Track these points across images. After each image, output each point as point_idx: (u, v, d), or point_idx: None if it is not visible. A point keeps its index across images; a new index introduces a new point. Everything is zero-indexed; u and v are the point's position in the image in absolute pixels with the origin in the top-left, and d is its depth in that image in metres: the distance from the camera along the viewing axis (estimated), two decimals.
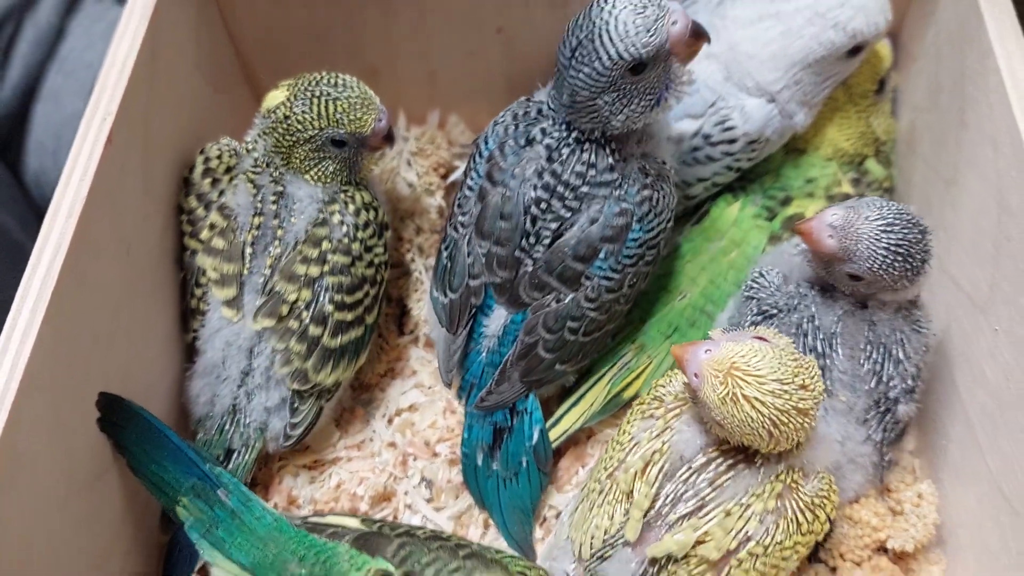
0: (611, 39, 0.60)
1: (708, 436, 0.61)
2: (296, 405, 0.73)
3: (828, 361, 0.65)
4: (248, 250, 0.72)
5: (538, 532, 0.74)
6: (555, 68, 0.65)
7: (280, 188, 0.73)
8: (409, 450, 0.78)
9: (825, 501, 0.59)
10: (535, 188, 0.67)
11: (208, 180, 0.74)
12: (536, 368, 0.72)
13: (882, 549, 0.68)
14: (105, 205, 0.63)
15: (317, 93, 0.70)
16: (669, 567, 0.60)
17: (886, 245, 0.61)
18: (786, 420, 0.54)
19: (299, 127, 0.71)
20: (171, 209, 0.74)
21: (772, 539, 0.58)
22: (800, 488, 0.58)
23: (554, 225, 0.68)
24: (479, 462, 0.75)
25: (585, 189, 0.66)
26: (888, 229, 0.61)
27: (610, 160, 0.66)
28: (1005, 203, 0.61)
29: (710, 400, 0.55)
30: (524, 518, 0.73)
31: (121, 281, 0.66)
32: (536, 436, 0.74)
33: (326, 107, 0.70)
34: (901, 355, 0.65)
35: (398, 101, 0.91)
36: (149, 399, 0.68)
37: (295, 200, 0.73)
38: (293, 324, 0.71)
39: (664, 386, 0.65)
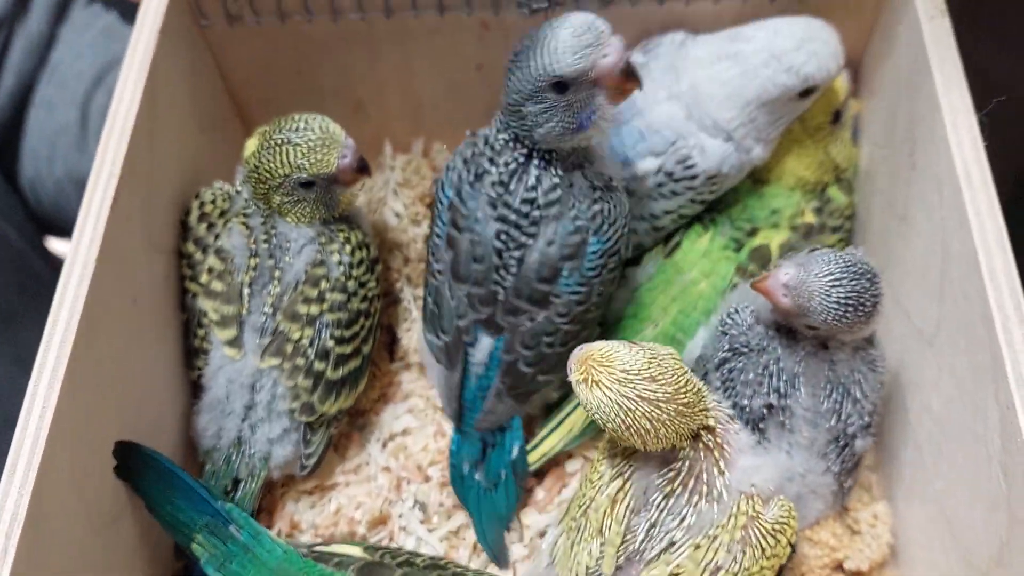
0: (543, 52, 0.65)
1: (658, 469, 0.66)
2: (308, 437, 0.79)
3: (791, 400, 0.70)
4: (246, 291, 0.77)
5: (521, 550, 0.80)
6: None
7: (272, 228, 0.77)
8: (403, 474, 0.83)
9: (785, 527, 0.64)
10: (493, 222, 0.72)
11: (204, 225, 0.78)
12: (521, 381, 0.77)
13: (840, 568, 0.74)
14: (113, 263, 0.67)
15: (279, 140, 0.74)
16: None
17: (836, 299, 0.65)
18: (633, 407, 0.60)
19: (268, 176, 0.75)
20: (172, 254, 0.78)
21: (740, 566, 0.64)
22: (761, 516, 0.64)
23: (517, 253, 0.72)
24: (464, 471, 0.81)
25: (537, 213, 0.71)
26: (837, 283, 0.65)
27: (553, 180, 0.70)
28: (947, 247, 0.66)
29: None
30: (499, 524, 0.80)
31: (128, 331, 0.71)
32: (516, 452, 0.80)
33: (287, 154, 0.73)
34: (859, 394, 0.70)
35: (384, 132, 0.95)
36: (159, 434, 0.74)
37: (288, 240, 0.77)
38: (300, 361, 0.76)
39: None
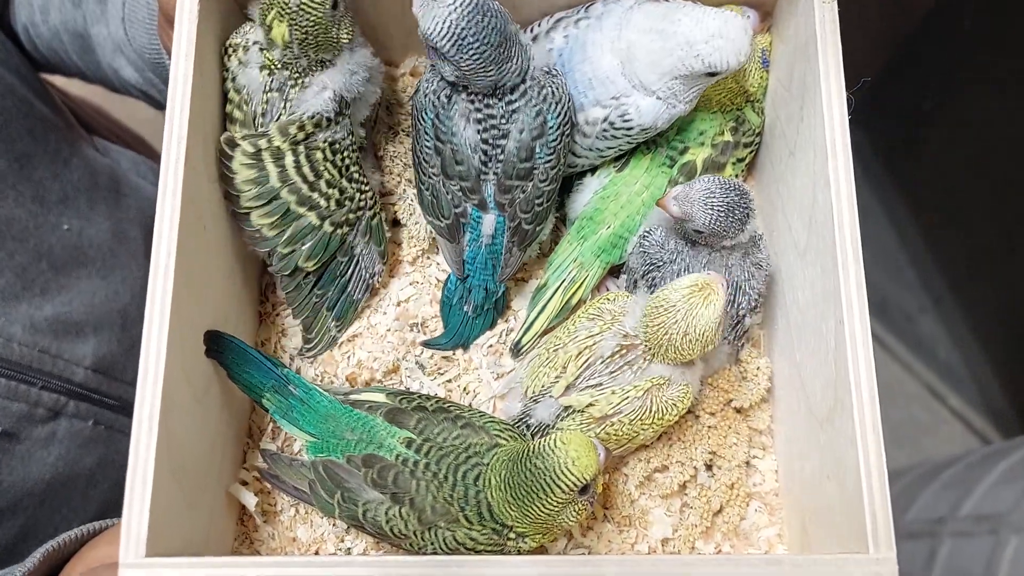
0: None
1: (620, 342, 0.93)
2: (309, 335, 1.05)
3: None
4: (259, 120, 0.96)
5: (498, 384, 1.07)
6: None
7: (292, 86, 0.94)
8: (407, 335, 1.09)
9: (675, 406, 0.92)
10: (477, 132, 0.93)
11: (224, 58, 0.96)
12: (525, 236, 1.01)
13: (729, 404, 1.03)
14: (188, 203, 0.86)
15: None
16: (572, 415, 0.94)
17: (712, 205, 0.90)
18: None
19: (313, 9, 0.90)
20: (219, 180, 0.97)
21: (636, 416, 0.92)
22: (663, 392, 0.91)
23: (501, 143, 0.94)
24: (453, 302, 1.07)
25: (512, 108, 0.93)
26: (711, 194, 0.90)
27: (515, 84, 0.92)
28: (815, 195, 0.89)
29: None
30: (465, 342, 1.08)
31: (204, 250, 0.91)
32: (500, 292, 1.06)
33: None
34: (748, 288, 0.96)
35: (384, 52, 1.12)
36: (228, 319, 0.97)
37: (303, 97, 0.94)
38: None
39: (607, 303, 0.97)
